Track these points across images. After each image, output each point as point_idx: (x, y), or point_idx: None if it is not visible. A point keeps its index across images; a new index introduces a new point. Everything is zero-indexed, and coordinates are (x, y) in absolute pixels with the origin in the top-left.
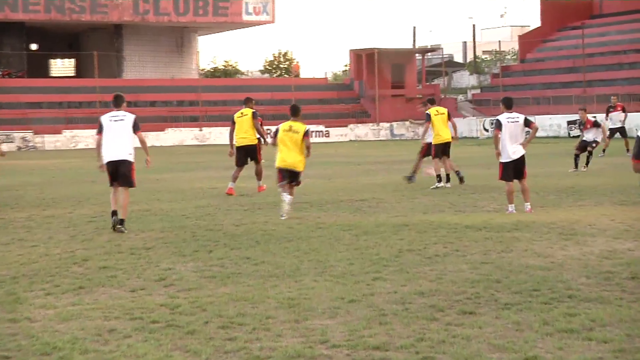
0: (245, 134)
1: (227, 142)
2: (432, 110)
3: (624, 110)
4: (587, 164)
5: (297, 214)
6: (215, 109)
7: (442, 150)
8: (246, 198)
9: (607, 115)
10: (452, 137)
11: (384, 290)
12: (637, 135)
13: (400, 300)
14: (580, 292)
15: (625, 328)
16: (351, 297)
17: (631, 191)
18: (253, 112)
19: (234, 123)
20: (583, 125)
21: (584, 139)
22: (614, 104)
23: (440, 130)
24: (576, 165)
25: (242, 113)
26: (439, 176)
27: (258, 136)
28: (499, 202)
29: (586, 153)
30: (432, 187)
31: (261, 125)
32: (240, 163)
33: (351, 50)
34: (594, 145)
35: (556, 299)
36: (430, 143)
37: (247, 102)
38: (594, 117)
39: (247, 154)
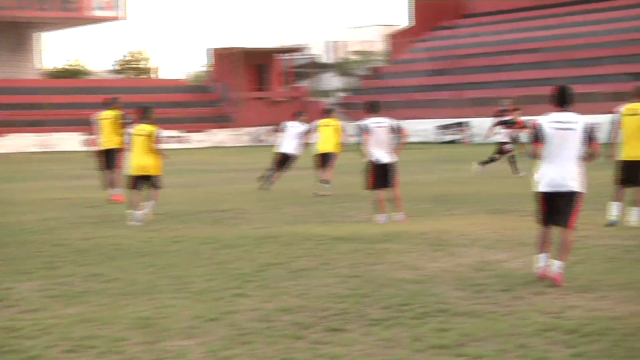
0: (107, 137)
1: (75, 149)
2: (322, 122)
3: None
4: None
5: (152, 227)
6: (61, 113)
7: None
8: (97, 210)
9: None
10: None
11: (246, 307)
12: (538, 122)
13: (263, 318)
14: (452, 305)
15: (498, 343)
16: (211, 315)
17: (505, 199)
18: (117, 115)
19: (95, 125)
20: (512, 124)
21: (503, 140)
22: (508, 107)
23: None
24: (516, 169)
25: (104, 115)
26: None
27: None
28: (369, 211)
29: (508, 156)
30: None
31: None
32: (104, 167)
33: (211, 50)
34: (509, 148)
35: (427, 314)
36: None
37: (109, 104)
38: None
39: (107, 158)
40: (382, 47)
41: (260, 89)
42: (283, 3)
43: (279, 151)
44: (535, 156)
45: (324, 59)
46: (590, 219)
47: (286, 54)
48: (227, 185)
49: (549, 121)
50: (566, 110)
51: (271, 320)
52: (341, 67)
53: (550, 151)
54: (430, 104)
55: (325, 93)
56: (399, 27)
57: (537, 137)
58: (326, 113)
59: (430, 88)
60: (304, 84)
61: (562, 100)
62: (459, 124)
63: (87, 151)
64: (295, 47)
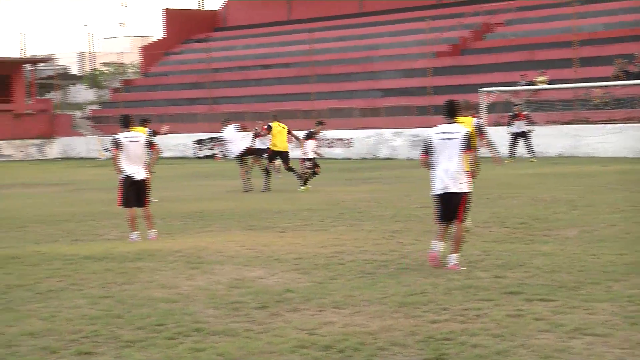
0: None
1: None
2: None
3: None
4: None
5: None
6: None
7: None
8: None
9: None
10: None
11: None
12: (427, 135)
13: (6, 343)
14: (207, 324)
15: None
16: None
17: (260, 215)
18: None
19: None
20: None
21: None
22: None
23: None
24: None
25: None
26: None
27: None
28: (121, 229)
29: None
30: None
31: None
32: None
33: None
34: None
35: (182, 334)
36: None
37: None
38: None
39: None
40: (135, 59)
41: (1, 102)
42: (28, 11)
43: None
44: (424, 166)
45: (74, 71)
46: (346, 234)
47: (31, 65)
48: None
49: (436, 132)
50: (451, 122)
51: (15, 345)
52: (91, 79)
53: (436, 158)
54: (186, 118)
55: (75, 106)
56: (152, 39)
57: (425, 149)
58: (142, 123)
59: (184, 102)
60: (52, 96)
61: (449, 112)
62: (214, 139)
63: None
64: (41, 57)
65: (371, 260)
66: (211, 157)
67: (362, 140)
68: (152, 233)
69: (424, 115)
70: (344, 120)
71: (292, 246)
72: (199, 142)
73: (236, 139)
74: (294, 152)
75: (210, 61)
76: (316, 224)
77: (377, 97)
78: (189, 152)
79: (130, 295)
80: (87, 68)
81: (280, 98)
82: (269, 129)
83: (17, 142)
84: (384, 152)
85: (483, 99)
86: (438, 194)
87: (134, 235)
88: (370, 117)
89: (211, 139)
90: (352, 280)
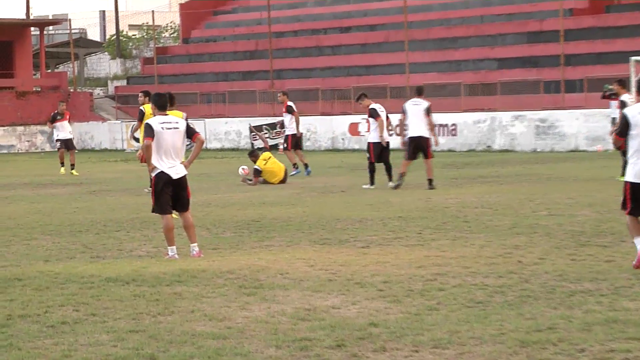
0: None
1: None
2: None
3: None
4: None
5: None
6: None
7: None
8: None
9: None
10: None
11: None
12: (627, 113)
13: None
14: None
15: None
16: None
17: (336, 225)
18: None
19: None
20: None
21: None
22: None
23: None
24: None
25: None
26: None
27: None
28: (154, 242)
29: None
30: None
31: None
32: None
33: None
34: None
35: None
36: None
37: None
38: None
39: None
40: (172, 21)
41: (1, 76)
42: None
43: None
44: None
45: (94, 36)
46: (449, 251)
47: (39, 29)
48: None
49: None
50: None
51: None
52: (116, 47)
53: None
54: (240, 98)
55: (95, 81)
56: None
57: (621, 129)
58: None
59: (237, 76)
60: (65, 69)
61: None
62: (276, 125)
63: None
64: (52, 19)
65: (483, 285)
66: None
67: (470, 127)
68: (195, 248)
69: (554, 92)
70: (447, 100)
71: (379, 266)
72: (256, 128)
73: None
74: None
75: (272, 22)
76: (410, 236)
77: (492, 68)
78: (244, 142)
79: (166, 330)
80: (111, 32)
81: (363, 71)
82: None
83: (21, 128)
84: (499, 142)
85: (635, 71)
86: (633, 182)
87: (172, 250)
88: (482, 95)
89: (272, 125)
90: (458, 312)
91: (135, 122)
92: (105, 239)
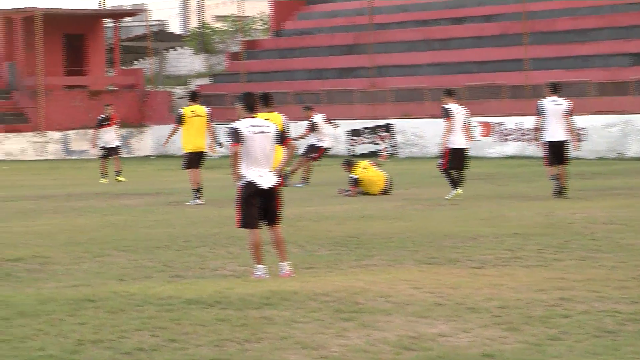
0: None
1: None
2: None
3: None
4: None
5: None
6: None
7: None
8: None
9: None
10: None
11: None
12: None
13: None
14: None
15: None
16: None
17: (444, 242)
18: None
19: None
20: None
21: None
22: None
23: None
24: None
25: None
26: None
27: None
28: (241, 260)
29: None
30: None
31: None
32: None
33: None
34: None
35: None
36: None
37: None
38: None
39: None
40: (262, 11)
41: (71, 73)
42: None
43: None
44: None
45: (175, 28)
46: (575, 272)
47: (114, 20)
48: (22, 220)
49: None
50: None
51: None
52: (199, 40)
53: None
54: (337, 98)
55: (174, 79)
56: None
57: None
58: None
59: (333, 73)
60: (142, 65)
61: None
62: (377, 129)
63: None
64: (128, 9)
65: (614, 311)
66: (373, 154)
67: (600, 131)
68: (286, 267)
69: None
70: (574, 101)
71: (494, 289)
72: (355, 132)
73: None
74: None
75: (374, 13)
76: (530, 256)
77: (624, 65)
78: (341, 148)
79: (254, 359)
80: (194, 24)
81: (476, 67)
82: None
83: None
84: (634, 149)
85: None
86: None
87: (260, 270)
88: (614, 95)
89: (373, 129)
90: (585, 342)
91: (223, 126)
92: (186, 256)
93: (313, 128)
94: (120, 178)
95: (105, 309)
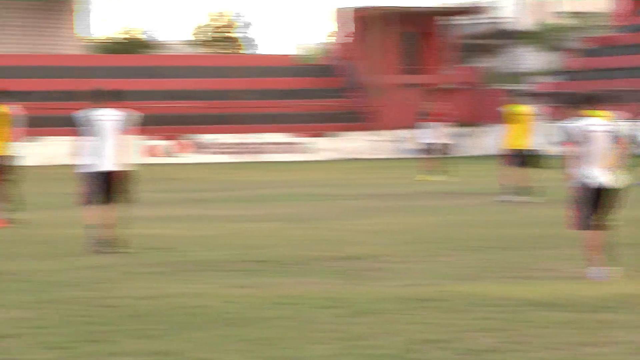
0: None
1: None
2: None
3: None
4: None
5: (241, 280)
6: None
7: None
8: (164, 253)
9: None
10: None
11: None
12: None
13: None
14: None
15: None
16: None
17: None
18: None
19: None
20: None
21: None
22: None
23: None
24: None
25: None
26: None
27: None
28: (575, 262)
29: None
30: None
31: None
32: None
33: (343, 11)
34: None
35: None
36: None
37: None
38: None
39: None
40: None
41: (408, 71)
42: None
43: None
44: None
45: (515, 25)
46: None
47: (454, 17)
48: (359, 219)
49: None
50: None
51: None
52: (542, 38)
53: None
54: None
55: (508, 77)
56: None
57: None
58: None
59: None
60: (478, 63)
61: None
62: None
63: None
64: (470, 6)
65: None
66: None
67: None
68: (607, 271)
69: None
70: None
71: None
72: None
73: None
74: None
75: None
76: None
77: None
78: None
79: None
80: (536, 20)
81: None
82: None
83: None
84: None
85: None
86: None
87: (595, 270)
88: None
89: None
90: None
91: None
92: (523, 257)
93: None
94: (429, 177)
95: (441, 309)
